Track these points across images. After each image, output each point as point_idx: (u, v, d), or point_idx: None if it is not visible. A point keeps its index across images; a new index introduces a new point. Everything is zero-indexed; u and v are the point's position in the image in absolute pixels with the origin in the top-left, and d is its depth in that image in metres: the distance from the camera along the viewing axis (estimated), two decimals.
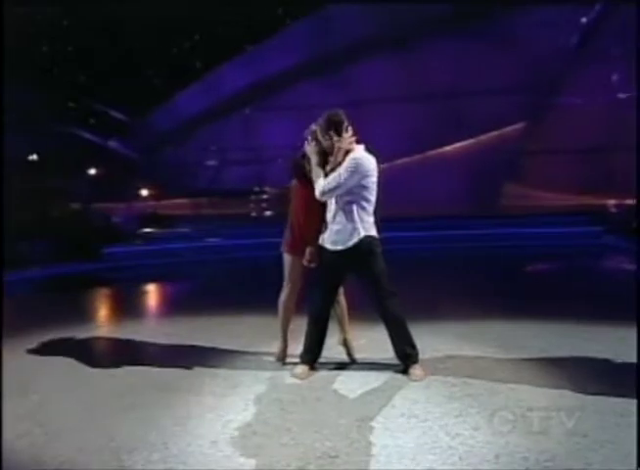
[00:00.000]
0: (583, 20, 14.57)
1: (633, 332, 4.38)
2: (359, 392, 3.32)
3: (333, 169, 3.43)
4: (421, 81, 14.79)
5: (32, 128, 13.25)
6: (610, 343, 4.10)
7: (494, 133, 14.57)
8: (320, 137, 3.45)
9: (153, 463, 2.55)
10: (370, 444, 2.66)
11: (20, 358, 4.26)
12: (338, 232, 3.46)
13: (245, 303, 6.07)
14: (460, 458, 2.48)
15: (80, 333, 4.98)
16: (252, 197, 15.07)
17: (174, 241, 11.70)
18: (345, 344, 3.85)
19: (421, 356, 3.57)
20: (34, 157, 14.39)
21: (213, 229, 12.60)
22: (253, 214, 14.84)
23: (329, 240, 3.51)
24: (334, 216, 3.47)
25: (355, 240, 3.43)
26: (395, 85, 14.84)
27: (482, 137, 14.69)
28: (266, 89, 16.00)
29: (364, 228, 3.44)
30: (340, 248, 3.46)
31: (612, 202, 13.41)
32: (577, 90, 14.45)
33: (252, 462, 2.53)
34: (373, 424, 2.87)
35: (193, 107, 16.58)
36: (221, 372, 3.77)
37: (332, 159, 3.45)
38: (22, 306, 6.63)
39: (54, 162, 13.43)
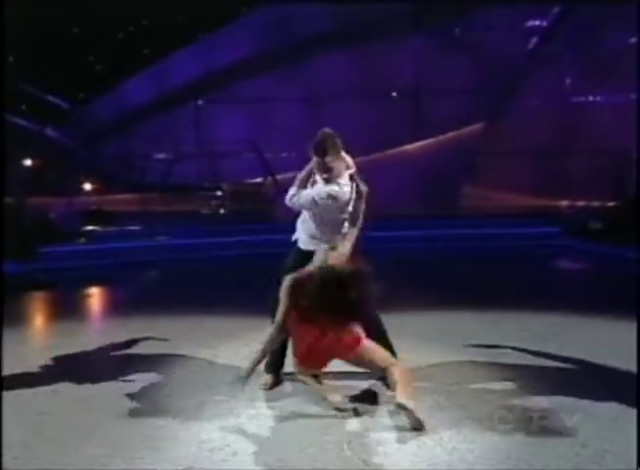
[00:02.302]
0: (541, 23, 15.07)
1: (608, 332, 4.49)
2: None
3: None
4: (380, 79, 14.78)
5: None
6: (586, 345, 4.11)
7: (453, 133, 14.78)
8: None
9: None
10: (364, 463, 2.47)
11: None
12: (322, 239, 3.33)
13: (203, 306, 5.71)
14: None
15: (14, 344, 4.39)
16: (209, 193, 14.33)
17: (122, 240, 10.94)
18: None
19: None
20: None
21: (166, 227, 11.91)
22: (210, 212, 14.14)
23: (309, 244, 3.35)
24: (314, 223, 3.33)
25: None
26: (355, 82, 14.76)
27: (441, 137, 14.87)
28: (220, 80, 15.46)
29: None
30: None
31: (565, 203, 13.95)
32: (534, 93, 14.94)
33: None
34: (362, 440, 2.68)
35: (140, 96, 15.74)
36: (188, 385, 3.46)
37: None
38: None
39: None
